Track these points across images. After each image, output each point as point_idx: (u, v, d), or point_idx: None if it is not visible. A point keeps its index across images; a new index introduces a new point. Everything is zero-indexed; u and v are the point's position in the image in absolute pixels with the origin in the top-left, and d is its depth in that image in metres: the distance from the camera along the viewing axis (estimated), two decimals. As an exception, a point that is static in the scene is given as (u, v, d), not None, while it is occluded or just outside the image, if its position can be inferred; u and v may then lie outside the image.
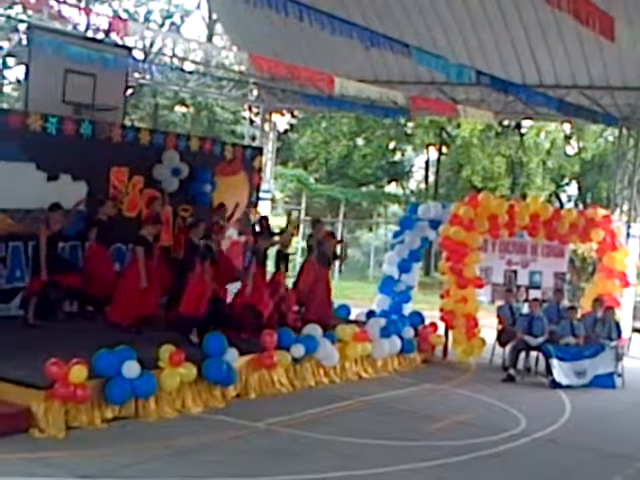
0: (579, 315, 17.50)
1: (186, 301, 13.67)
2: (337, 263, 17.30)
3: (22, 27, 17.50)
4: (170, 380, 11.56)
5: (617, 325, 17.11)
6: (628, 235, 20.51)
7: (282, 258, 15.74)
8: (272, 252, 15.98)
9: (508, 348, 16.79)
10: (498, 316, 17.60)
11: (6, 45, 18.89)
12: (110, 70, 15.86)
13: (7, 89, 35.47)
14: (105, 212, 15.18)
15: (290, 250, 16.02)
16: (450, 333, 17.65)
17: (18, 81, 31.14)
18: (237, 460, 10.03)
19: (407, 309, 18.82)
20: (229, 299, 15.04)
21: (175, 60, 23.89)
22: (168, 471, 9.36)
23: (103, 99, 16.24)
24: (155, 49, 24.06)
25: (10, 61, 19.86)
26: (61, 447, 9.79)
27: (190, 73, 24.03)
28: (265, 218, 17.20)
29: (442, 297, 17.77)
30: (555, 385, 15.79)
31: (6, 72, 31.09)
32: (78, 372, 10.44)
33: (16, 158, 14.28)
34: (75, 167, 15.15)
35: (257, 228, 16.95)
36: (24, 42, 16.44)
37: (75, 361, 10.54)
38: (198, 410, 11.88)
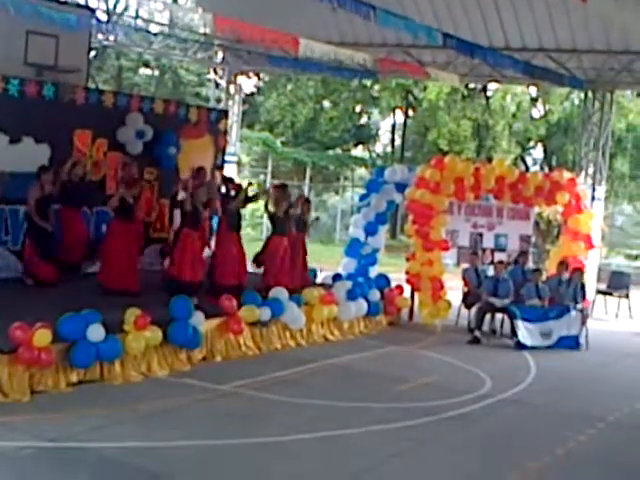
0: (544, 277, 17.60)
1: (179, 264, 14.00)
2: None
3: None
4: (135, 343, 11.52)
5: (583, 287, 17.22)
6: (593, 198, 20.65)
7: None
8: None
9: (473, 310, 16.89)
10: (464, 278, 17.69)
11: (-34, 5, 18.52)
12: (73, 31, 15.59)
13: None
14: (76, 174, 15.11)
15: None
16: (416, 295, 17.72)
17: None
18: (203, 423, 10.03)
19: (373, 272, 18.85)
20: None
21: (139, 21, 23.61)
22: (134, 435, 9.34)
23: (66, 61, 16.00)
24: (119, 10, 23.76)
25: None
26: (26, 411, 9.74)
27: (154, 35, 23.77)
28: (230, 180, 16.99)
29: (408, 260, 17.81)
30: (520, 346, 15.91)
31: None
32: (42, 336, 10.37)
33: (-23, 121, 14.11)
34: (38, 130, 14.95)
35: (222, 190, 16.83)
36: (-16, 2, 16.14)
37: (39, 325, 10.46)
38: (164, 373, 11.87)
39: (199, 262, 14.28)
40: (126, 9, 25.89)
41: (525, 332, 16.06)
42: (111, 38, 22.23)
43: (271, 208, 15.80)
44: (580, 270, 17.45)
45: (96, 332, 11.05)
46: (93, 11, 18.26)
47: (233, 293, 13.74)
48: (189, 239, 14.13)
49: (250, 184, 16.45)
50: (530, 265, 18.64)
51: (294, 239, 16.20)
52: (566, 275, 17.32)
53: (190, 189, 14.96)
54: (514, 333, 16.17)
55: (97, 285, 14.25)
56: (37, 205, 14.18)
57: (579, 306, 16.77)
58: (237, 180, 17.75)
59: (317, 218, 17.61)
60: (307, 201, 17.47)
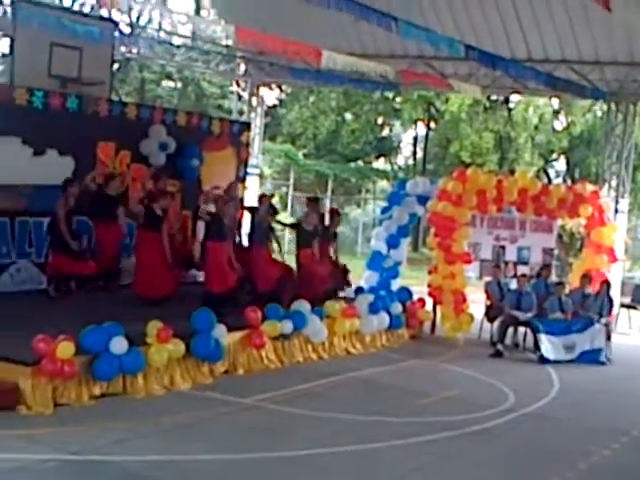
0: (567, 291, 17.51)
1: (213, 278, 14.23)
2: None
3: (7, 0, 17.30)
4: (158, 356, 11.51)
5: (610, 301, 17.12)
6: (616, 210, 20.52)
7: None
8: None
9: (496, 323, 16.81)
10: (486, 292, 17.60)
11: (-10, 18, 18.69)
12: (96, 44, 15.74)
13: (-8, 63, 35.20)
14: (114, 188, 15.27)
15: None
16: (438, 309, 17.65)
17: (3, 55, 30.88)
18: (226, 437, 10.01)
19: (395, 285, 18.78)
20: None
21: (162, 34, 23.69)
22: (156, 448, 9.33)
23: (90, 73, 16.10)
24: (142, 23, 23.87)
25: (-5, 35, 19.71)
26: (49, 424, 9.75)
27: (177, 47, 23.85)
28: (264, 195, 17.01)
29: (430, 273, 17.76)
30: (543, 360, 15.81)
31: (-9, 46, 30.84)
32: (65, 348, 10.38)
33: (2, 132, 14.15)
34: (62, 142, 15.02)
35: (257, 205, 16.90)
36: (9, 15, 16.26)
37: (62, 337, 10.48)
38: (186, 386, 11.85)
39: (227, 273, 14.33)
40: (149, 22, 25.95)
41: (548, 346, 15.97)
42: (134, 50, 22.31)
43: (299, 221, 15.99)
44: (607, 282, 17.34)
45: (119, 345, 11.05)
46: (116, 24, 18.34)
47: (272, 299, 14.12)
48: (213, 251, 14.25)
49: (272, 195, 16.56)
50: (553, 278, 18.58)
51: (321, 251, 16.37)
52: (589, 288, 17.23)
53: (210, 201, 15.09)
54: (537, 347, 16.09)
55: (135, 296, 14.46)
56: (66, 219, 14.29)
57: (604, 320, 16.66)
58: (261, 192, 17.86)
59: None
60: (337, 213, 17.68)
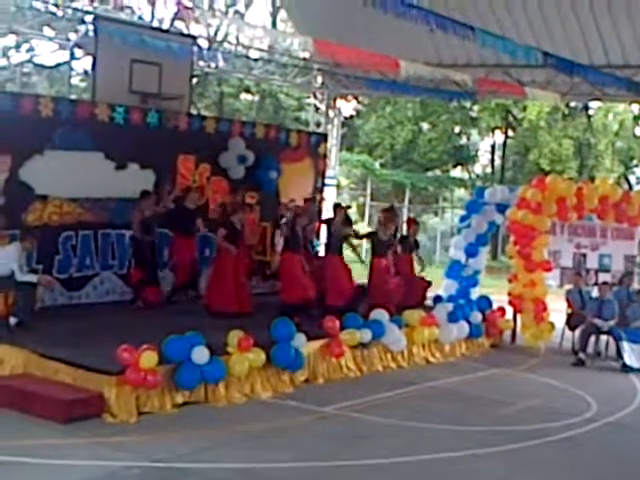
0: (650, 298, 17.24)
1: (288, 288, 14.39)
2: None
3: (89, 18, 17.69)
4: (239, 365, 11.64)
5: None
6: (699, 216, 20.10)
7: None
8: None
9: (578, 332, 16.61)
10: (567, 300, 17.40)
11: (73, 37, 19.12)
12: (175, 59, 16.01)
13: (75, 80, 35.89)
14: (192, 201, 15.47)
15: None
16: (518, 317, 17.50)
17: (85, 72, 31.53)
18: (305, 445, 10.07)
19: (474, 293, 18.67)
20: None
21: (240, 48, 23.96)
22: (238, 456, 9.43)
23: (169, 88, 16.39)
24: (220, 37, 24.19)
25: (78, 52, 20.13)
26: (133, 432, 9.93)
27: (255, 60, 24.10)
28: (340, 206, 17.01)
29: (510, 281, 17.63)
30: (626, 369, 15.58)
31: (74, 63, 31.46)
32: (148, 358, 10.58)
33: (85, 148, 14.50)
34: (143, 156, 15.31)
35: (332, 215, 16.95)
36: (91, 33, 16.63)
37: (145, 347, 10.67)
38: (267, 395, 11.96)
39: (302, 283, 14.40)
40: (227, 36, 26.25)
41: (631, 354, 15.73)
42: (212, 65, 22.61)
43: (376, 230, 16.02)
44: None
45: (201, 354, 11.21)
46: (195, 39, 18.64)
47: (343, 313, 13.95)
48: (290, 262, 14.36)
49: (348, 207, 16.58)
50: (635, 286, 18.27)
51: (401, 260, 16.39)
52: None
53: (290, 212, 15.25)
54: (620, 355, 15.85)
55: (204, 308, 14.55)
56: (141, 225, 14.57)
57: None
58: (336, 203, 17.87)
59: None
60: (415, 222, 17.71)
